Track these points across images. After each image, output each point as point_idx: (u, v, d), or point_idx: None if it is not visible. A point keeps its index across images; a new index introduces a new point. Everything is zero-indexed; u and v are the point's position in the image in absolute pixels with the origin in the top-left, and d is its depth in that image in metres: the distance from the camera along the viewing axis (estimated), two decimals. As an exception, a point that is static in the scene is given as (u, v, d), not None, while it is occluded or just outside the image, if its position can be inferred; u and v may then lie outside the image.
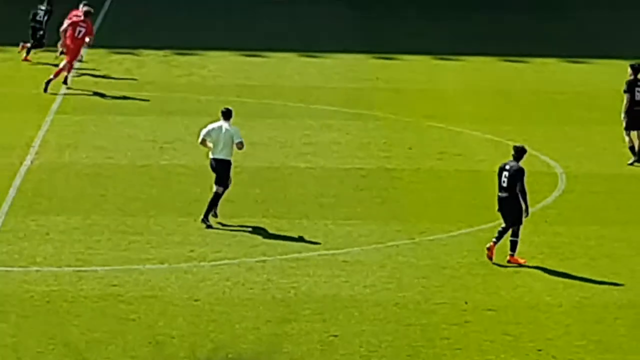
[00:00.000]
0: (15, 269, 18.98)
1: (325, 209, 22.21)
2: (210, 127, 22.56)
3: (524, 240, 20.33)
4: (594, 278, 19.00)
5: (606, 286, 18.76)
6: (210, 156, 22.62)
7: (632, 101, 25.36)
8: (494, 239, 19.41)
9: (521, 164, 20.27)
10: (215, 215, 22.02)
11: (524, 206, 19.85)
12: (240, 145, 22.71)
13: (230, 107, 23.55)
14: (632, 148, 24.85)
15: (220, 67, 35.48)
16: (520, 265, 19.70)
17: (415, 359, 14.41)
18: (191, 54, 37.45)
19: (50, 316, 15.79)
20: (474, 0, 46.78)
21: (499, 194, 20.14)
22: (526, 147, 21.38)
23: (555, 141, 29.10)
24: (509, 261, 19.53)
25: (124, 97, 31.98)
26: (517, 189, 20.00)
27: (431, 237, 21.43)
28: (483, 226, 21.69)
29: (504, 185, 20.05)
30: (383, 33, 38.92)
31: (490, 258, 19.32)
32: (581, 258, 20.28)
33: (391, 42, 37.53)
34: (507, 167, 20.11)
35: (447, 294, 17.87)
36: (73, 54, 32.33)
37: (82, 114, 31.09)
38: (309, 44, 37.63)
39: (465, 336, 15.61)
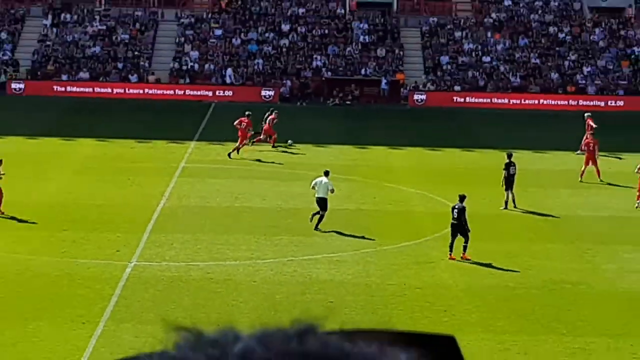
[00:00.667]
0: (193, 263, 28.02)
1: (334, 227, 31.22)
2: (316, 180, 32.63)
3: (436, 248, 29.65)
4: (482, 269, 27.76)
5: (488, 273, 27.52)
6: (316, 195, 32.67)
7: (508, 174, 34.54)
8: (449, 252, 28.16)
9: (463, 204, 28.76)
10: (317, 229, 31.67)
11: (467, 227, 28.53)
12: (332, 192, 32.29)
13: (328, 169, 34.08)
14: (506, 202, 33.72)
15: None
16: (467, 260, 28.15)
17: (376, 315, 23.90)
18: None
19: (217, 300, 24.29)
20: (414, 118, 53.64)
21: (452, 221, 28.69)
22: (465, 195, 29.89)
23: (456, 189, 33.92)
24: (462, 258, 28.14)
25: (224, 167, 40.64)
26: (462, 219, 28.39)
27: (389, 247, 30.10)
28: (417, 241, 30.60)
29: (455, 216, 28.39)
30: (362, 133, 47.65)
31: (453, 258, 27.95)
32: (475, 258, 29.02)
33: (367, 139, 46.24)
34: (456, 206, 28.64)
35: (396, 279, 27.01)
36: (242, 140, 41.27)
37: (194, 177, 39.46)
38: (320, 139, 46.58)
39: (403, 302, 25.14)
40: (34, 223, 31.96)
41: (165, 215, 32.09)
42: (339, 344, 0.66)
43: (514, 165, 35.24)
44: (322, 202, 31.84)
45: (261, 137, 43.27)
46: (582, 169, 37.72)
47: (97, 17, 59.53)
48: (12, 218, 31.85)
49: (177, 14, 61.21)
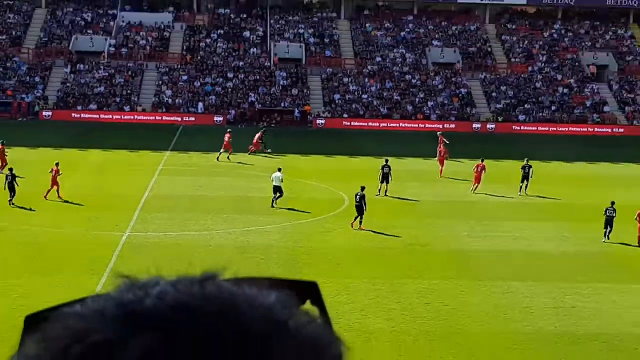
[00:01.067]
0: (168, 233, 30.83)
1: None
2: (273, 174, 36.61)
3: (333, 222, 33.32)
4: (373, 235, 31.45)
5: (370, 238, 31.48)
6: (273, 184, 36.34)
7: (383, 172, 38.05)
8: (352, 222, 32.19)
9: (363, 192, 32.62)
10: (273, 206, 35.71)
11: (365, 207, 32.50)
12: (282, 181, 36.12)
13: (280, 167, 37.70)
14: (379, 190, 37.37)
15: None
16: (362, 229, 32.08)
17: (291, 267, 27.13)
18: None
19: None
20: (316, 136, 57.86)
21: (355, 204, 32.94)
22: (365, 186, 33.33)
23: (346, 184, 39.38)
24: (360, 228, 32.46)
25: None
26: (363, 202, 32.72)
27: (301, 221, 33.51)
28: (319, 217, 34.21)
29: (357, 200, 32.70)
30: (282, 146, 49.47)
31: (353, 226, 31.81)
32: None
33: (285, 149, 49.28)
34: (358, 193, 32.91)
35: (305, 243, 30.69)
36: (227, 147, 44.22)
37: (169, 175, 42.44)
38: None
39: (310, 258, 28.84)
40: (68, 202, 35.74)
41: (149, 201, 36.10)
42: (229, 288, 0.74)
43: (389, 166, 39.96)
44: (276, 188, 36.66)
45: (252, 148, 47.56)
46: (440, 168, 43.25)
47: (102, 67, 65.92)
48: (52, 201, 36.01)
49: (157, 65, 67.81)
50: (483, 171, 39.10)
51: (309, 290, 0.83)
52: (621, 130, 64.26)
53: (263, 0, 75.58)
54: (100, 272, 25.43)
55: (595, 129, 63.84)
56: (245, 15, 74.64)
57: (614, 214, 33.00)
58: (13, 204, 34.89)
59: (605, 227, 32.83)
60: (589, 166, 49.87)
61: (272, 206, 35.11)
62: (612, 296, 26.01)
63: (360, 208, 32.55)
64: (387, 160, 39.64)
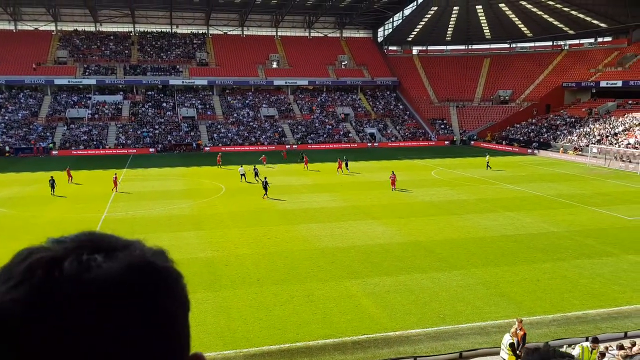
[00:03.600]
0: (129, 212, 29.68)
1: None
2: (239, 168, 37.34)
3: (222, 200, 32.30)
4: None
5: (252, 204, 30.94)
6: (240, 174, 37.04)
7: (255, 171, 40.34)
8: (264, 195, 31.32)
9: (267, 180, 31.02)
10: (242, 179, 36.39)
11: (267, 186, 30.96)
12: (243, 174, 36.04)
13: (241, 164, 38.62)
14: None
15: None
16: (268, 199, 31.16)
17: (198, 222, 26.23)
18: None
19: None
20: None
21: (264, 182, 31.97)
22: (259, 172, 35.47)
23: (223, 180, 37.31)
24: (264, 198, 31.73)
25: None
26: (266, 183, 31.52)
27: (210, 198, 33.27)
28: (213, 197, 33.59)
29: (265, 181, 32.13)
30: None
31: (264, 199, 30.53)
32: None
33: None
34: (265, 179, 31.86)
35: (209, 211, 29.80)
36: None
37: (129, 182, 40.62)
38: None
39: (214, 219, 28.49)
40: (63, 197, 34.14)
41: (116, 196, 34.50)
42: (109, 237, 0.75)
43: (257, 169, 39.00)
44: (242, 177, 37.47)
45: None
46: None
47: (84, 126, 66.94)
48: (61, 197, 34.31)
49: (115, 123, 68.15)
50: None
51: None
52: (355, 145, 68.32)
53: (171, 86, 75.76)
54: None
55: (345, 144, 67.49)
56: (162, 95, 75.95)
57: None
58: (53, 194, 34.70)
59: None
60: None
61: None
62: (359, 227, 25.59)
63: (265, 186, 32.57)
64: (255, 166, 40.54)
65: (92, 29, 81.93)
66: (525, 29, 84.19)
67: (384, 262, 20.55)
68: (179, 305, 0.76)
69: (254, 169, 40.60)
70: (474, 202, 32.29)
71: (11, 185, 39.18)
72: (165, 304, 0.73)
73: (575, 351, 11.52)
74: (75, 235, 0.76)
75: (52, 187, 35.43)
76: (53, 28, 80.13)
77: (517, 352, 11.86)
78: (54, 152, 60.73)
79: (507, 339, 12.07)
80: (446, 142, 71.99)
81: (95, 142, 64.40)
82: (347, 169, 44.53)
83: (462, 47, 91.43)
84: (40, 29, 79.82)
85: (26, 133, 64.67)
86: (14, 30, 78.42)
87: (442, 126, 75.84)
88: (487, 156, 49.20)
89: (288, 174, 43.83)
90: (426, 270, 19.52)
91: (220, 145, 65.84)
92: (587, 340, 13.09)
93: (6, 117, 66.95)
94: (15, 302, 0.66)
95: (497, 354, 12.82)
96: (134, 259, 0.72)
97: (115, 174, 38.27)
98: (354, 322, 15.11)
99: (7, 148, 60.61)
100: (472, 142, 71.48)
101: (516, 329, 12.36)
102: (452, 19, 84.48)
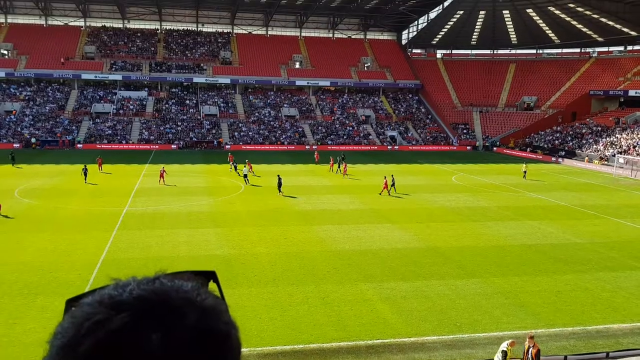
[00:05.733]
0: (149, 208, 29.44)
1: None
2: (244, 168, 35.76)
3: (240, 198, 31.97)
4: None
5: (267, 204, 31.33)
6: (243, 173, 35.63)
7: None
8: (279, 193, 31.16)
9: (281, 180, 30.32)
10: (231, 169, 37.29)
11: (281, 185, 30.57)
12: (245, 176, 35.34)
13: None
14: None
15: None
16: (284, 195, 31.29)
17: (221, 222, 27.63)
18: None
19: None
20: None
21: (278, 184, 31.52)
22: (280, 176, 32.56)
23: (241, 179, 37.70)
24: (280, 195, 31.62)
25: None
26: (280, 182, 31.02)
27: (219, 198, 32.85)
28: (233, 194, 34.37)
29: (280, 182, 31.57)
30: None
31: (279, 196, 30.18)
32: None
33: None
34: (280, 179, 31.12)
35: (230, 208, 29.81)
36: None
37: (149, 177, 40.06)
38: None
39: (233, 216, 28.77)
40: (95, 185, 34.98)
41: (137, 191, 34.61)
42: (166, 282, 0.80)
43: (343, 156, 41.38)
44: (245, 176, 36.44)
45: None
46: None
47: (109, 120, 67.15)
48: (92, 184, 35.69)
49: (139, 119, 68.12)
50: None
51: (210, 275, 0.88)
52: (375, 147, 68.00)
53: (195, 84, 76.50)
54: (111, 230, 24.60)
55: (365, 147, 67.75)
56: (186, 92, 76.40)
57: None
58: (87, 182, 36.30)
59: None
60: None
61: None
62: (376, 231, 25.34)
63: (279, 185, 33.63)
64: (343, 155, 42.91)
65: (120, 25, 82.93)
66: (553, 34, 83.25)
67: (400, 267, 20.37)
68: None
69: (233, 164, 42.76)
70: (495, 209, 32.01)
71: (37, 177, 39.87)
72: None
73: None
74: (135, 297, 0.78)
75: (85, 175, 37.26)
76: (82, 24, 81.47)
77: None
78: (78, 146, 61.70)
79: (503, 346, 11.97)
80: (468, 148, 71.62)
81: (119, 137, 64.91)
82: (342, 172, 43.37)
83: (488, 51, 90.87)
84: (70, 24, 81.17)
85: (53, 126, 65.58)
86: (45, 25, 79.61)
87: (465, 131, 75.38)
88: (525, 164, 47.80)
89: (308, 175, 43.82)
90: (444, 277, 19.27)
91: (240, 143, 66.13)
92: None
93: (34, 110, 67.98)
94: None
95: (514, 364, 12.92)
96: (193, 333, 0.75)
97: (163, 167, 39.36)
98: (368, 326, 14.98)
99: (32, 140, 61.71)
100: (495, 148, 70.98)
101: (528, 346, 12.07)
102: (478, 23, 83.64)
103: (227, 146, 64.76)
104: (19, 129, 64.09)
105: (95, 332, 0.73)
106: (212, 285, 0.88)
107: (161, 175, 37.55)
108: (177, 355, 0.73)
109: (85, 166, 38.53)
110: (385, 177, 36.74)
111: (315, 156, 51.58)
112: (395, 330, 14.80)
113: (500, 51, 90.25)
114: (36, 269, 19.18)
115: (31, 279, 18.11)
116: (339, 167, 43.93)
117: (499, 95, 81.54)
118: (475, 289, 18.20)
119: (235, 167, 42.13)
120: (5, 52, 74.35)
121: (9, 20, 78.75)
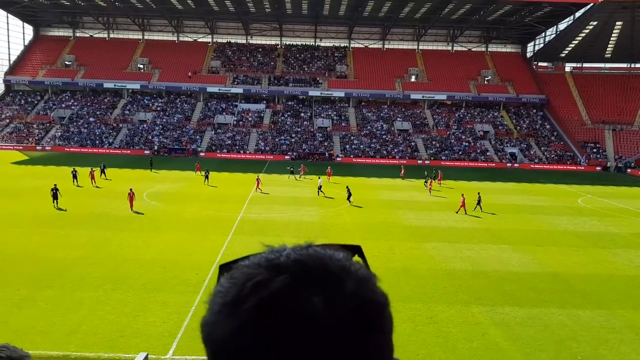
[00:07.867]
0: (262, 215, 30.15)
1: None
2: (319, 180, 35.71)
3: (343, 211, 32.94)
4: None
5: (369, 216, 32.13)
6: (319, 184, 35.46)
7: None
8: (348, 201, 31.86)
9: (350, 191, 31.81)
10: (318, 195, 34.30)
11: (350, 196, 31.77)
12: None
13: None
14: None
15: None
16: (354, 205, 32.21)
17: (329, 233, 28.73)
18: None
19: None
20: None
21: (348, 196, 32.39)
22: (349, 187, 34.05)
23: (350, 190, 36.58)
24: (349, 203, 32.45)
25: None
26: (349, 193, 32.22)
27: (326, 209, 33.60)
28: (338, 207, 33.23)
29: (349, 194, 32.22)
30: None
31: (348, 204, 31.20)
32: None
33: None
34: (350, 192, 32.35)
35: (333, 220, 30.59)
36: None
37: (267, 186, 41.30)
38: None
39: (336, 229, 28.60)
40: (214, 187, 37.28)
41: (252, 199, 36.03)
42: (320, 250, 0.82)
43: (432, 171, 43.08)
44: (320, 187, 36.15)
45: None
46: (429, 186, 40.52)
47: (229, 131, 70.54)
48: (213, 186, 38.22)
49: (257, 130, 71.75)
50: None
51: (356, 249, 0.91)
52: (492, 164, 67.03)
53: (310, 97, 79.07)
54: (227, 233, 25.67)
55: (482, 163, 66.83)
56: (301, 105, 79.05)
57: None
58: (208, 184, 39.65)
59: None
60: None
61: (318, 195, 36.20)
62: (490, 251, 24.59)
63: (349, 195, 34.90)
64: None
65: (243, 41, 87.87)
66: (702, 46, 77.27)
67: (516, 291, 19.53)
68: (391, 330, 0.85)
69: (292, 174, 44.66)
70: (626, 235, 29.90)
71: (164, 181, 42.88)
72: (379, 340, 0.80)
73: None
74: (293, 261, 0.78)
75: (207, 177, 41.65)
76: (209, 40, 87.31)
77: None
78: (201, 154, 65.24)
79: None
80: (598, 168, 68.15)
81: (237, 147, 67.93)
82: (435, 185, 42.50)
83: (624, 65, 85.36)
84: (199, 40, 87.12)
85: (179, 135, 70.07)
86: (176, 41, 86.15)
87: (594, 150, 71.70)
88: None
89: (415, 190, 43.69)
90: (564, 306, 18.21)
91: (352, 156, 67.03)
92: None
93: (164, 120, 73.17)
94: (249, 345, 0.71)
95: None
96: (353, 300, 0.76)
97: (259, 176, 42.28)
98: (479, 351, 14.47)
99: (155, 147, 66.09)
100: (629, 170, 66.66)
101: None
102: (613, 35, 78.51)
103: (338, 158, 66.12)
104: (150, 137, 68.96)
105: (258, 291, 0.74)
106: (356, 259, 0.90)
107: (257, 184, 39.23)
108: (338, 319, 0.74)
109: (207, 170, 43.08)
110: (462, 194, 35.82)
111: (401, 173, 50.72)
112: (508, 357, 14.20)
113: (638, 65, 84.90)
114: (159, 266, 20.20)
115: (154, 276, 19.14)
116: (433, 180, 43.53)
117: (635, 113, 76.94)
118: (601, 321, 17.04)
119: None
120: (142, 66, 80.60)
121: (146, 37, 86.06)
